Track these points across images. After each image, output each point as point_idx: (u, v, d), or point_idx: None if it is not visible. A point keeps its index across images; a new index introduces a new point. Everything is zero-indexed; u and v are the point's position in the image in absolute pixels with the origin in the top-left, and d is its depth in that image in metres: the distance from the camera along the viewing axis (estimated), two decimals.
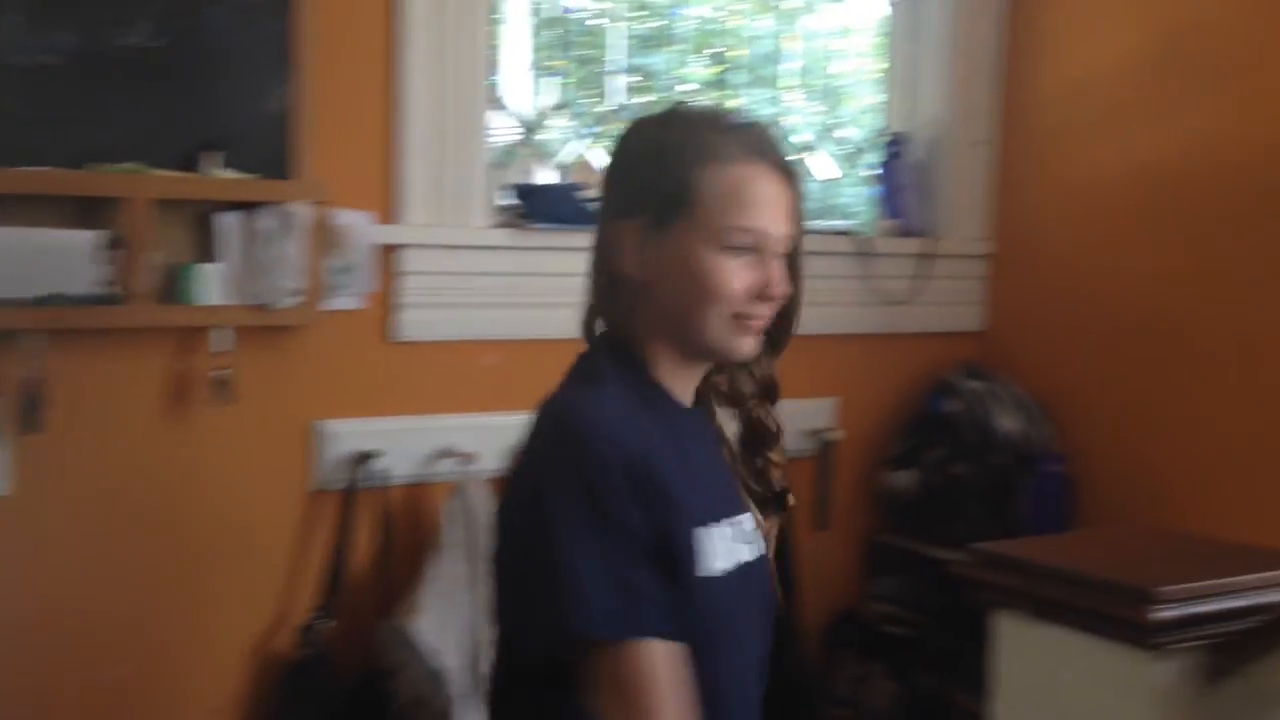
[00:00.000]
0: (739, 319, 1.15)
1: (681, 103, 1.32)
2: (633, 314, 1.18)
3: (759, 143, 1.16)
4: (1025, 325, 2.76)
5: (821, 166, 2.84)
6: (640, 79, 2.59)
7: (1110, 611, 1.23)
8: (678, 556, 1.08)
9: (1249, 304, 2.28)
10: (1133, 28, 2.50)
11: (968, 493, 2.51)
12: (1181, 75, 2.41)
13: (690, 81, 2.63)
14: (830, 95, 2.84)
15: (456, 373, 2.24)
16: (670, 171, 1.14)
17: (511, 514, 1.13)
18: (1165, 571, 1.25)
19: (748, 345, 1.18)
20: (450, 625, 1.99)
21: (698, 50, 2.65)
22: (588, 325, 1.25)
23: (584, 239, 2.27)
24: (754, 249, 1.14)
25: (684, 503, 1.10)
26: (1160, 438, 2.43)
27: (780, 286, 1.16)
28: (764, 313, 1.16)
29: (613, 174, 1.22)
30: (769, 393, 1.28)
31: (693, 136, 1.16)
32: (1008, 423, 2.57)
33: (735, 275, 1.13)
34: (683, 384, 1.20)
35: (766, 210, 1.14)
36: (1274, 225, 2.25)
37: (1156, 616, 1.19)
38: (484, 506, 2.11)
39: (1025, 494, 2.47)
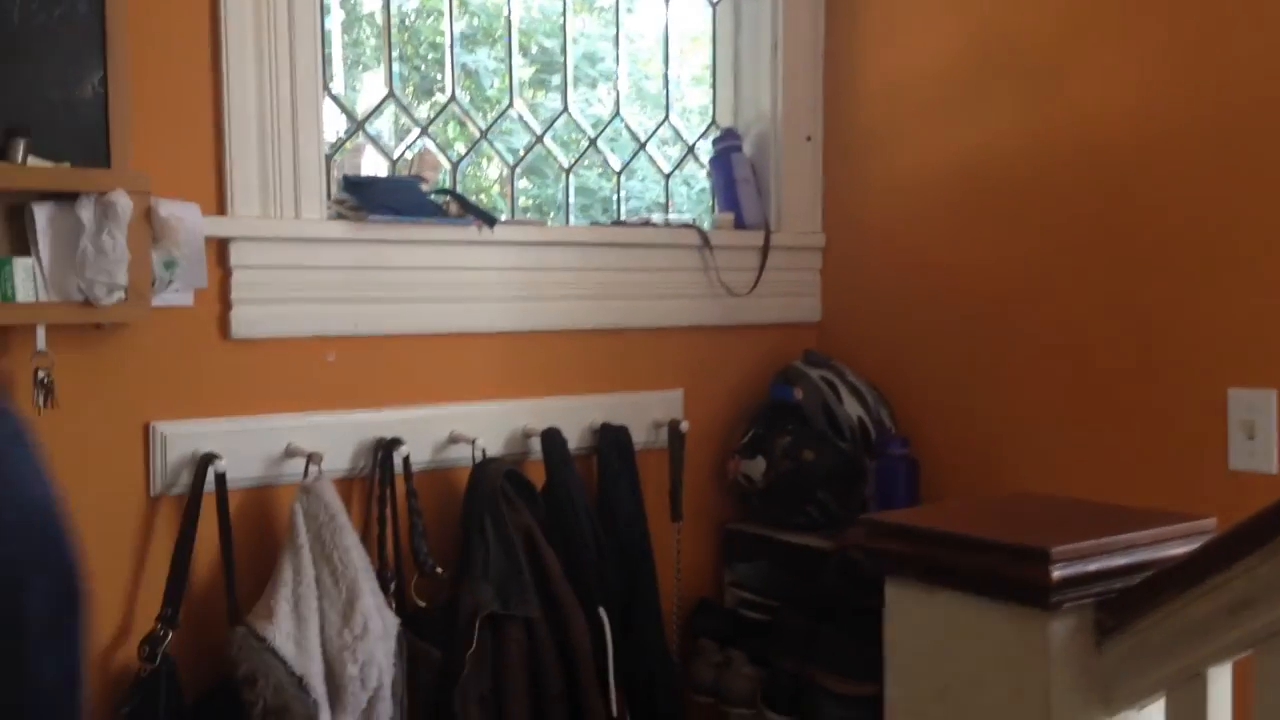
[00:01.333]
0: None
1: None
2: None
3: None
4: (857, 314, 2.84)
5: (655, 162, 2.87)
6: (462, 77, 2.56)
7: (1007, 572, 1.25)
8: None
9: (1062, 287, 2.41)
10: (949, 29, 2.62)
11: (818, 478, 2.55)
12: (995, 75, 2.53)
13: (513, 81, 2.62)
14: (656, 93, 2.87)
15: (297, 370, 2.15)
16: None
17: None
18: (1056, 532, 1.29)
19: None
20: (307, 630, 1.89)
21: (520, 49, 2.64)
22: None
23: (426, 231, 2.27)
24: None
25: None
26: (990, 416, 2.54)
27: None
28: None
29: None
30: None
31: None
32: (851, 409, 2.63)
33: None
34: None
35: None
36: (1082, 214, 2.38)
37: (1054, 575, 1.21)
38: (335, 506, 2.02)
39: (872, 477, 2.53)
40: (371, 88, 2.44)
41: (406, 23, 2.55)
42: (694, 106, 2.93)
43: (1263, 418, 2.12)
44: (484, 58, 2.59)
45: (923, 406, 2.66)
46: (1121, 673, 1.25)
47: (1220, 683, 1.23)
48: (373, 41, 2.47)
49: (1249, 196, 2.13)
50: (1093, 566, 1.25)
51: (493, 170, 2.64)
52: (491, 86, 2.59)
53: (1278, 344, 2.10)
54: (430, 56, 2.53)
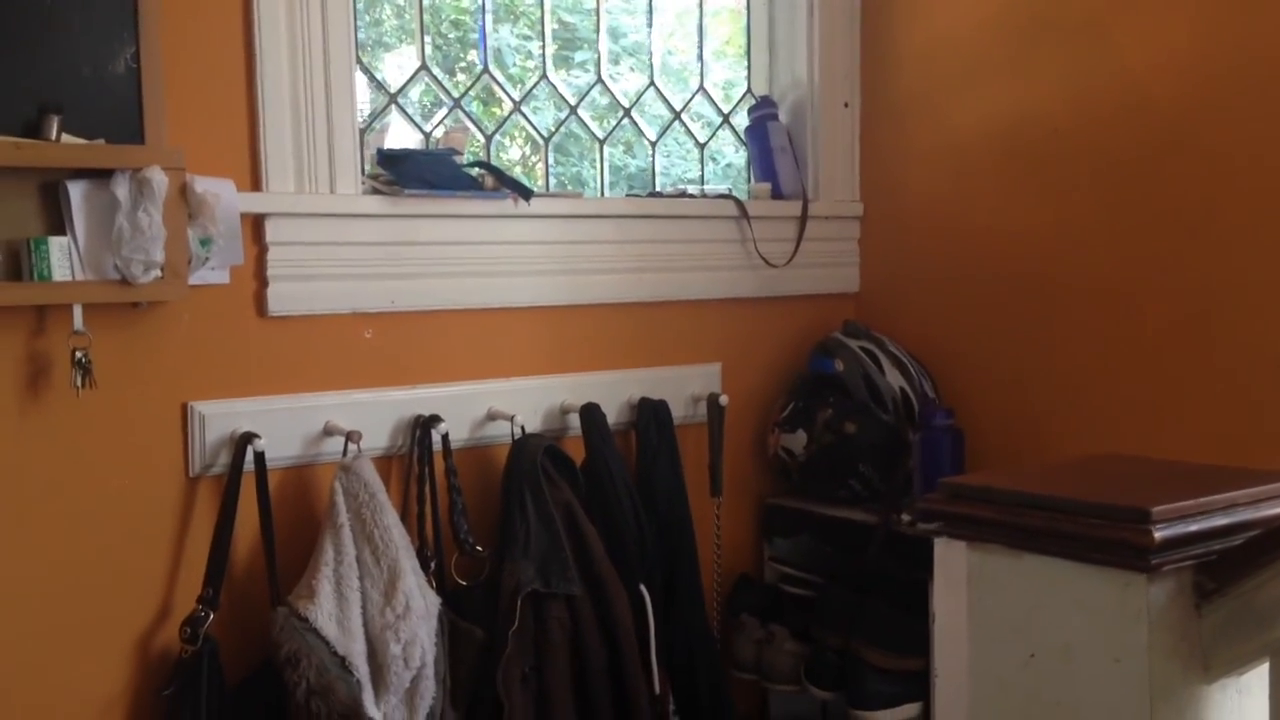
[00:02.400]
0: None
1: None
2: None
3: None
4: (897, 284, 2.79)
5: (691, 133, 2.82)
6: (488, 54, 2.51)
7: (1105, 535, 1.20)
8: None
9: (1112, 249, 2.36)
10: None
11: (860, 451, 2.51)
12: (1037, 34, 2.47)
13: (534, 57, 2.57)
14: (678, 68, 2.82)
15: (334, 348, 2.13)
16: None
17: None
18: (1153, 492, 1.24)
19: None
20: (349, 610, 1.88)
21: (543, 26, 2.59)
22: None
23: (463, 205, 2.24)
24: None
25: None
26: (1038, 383, 2.49)
27: None
28: None
29: None
30: None
31: None
32: (893, 379, 2.58)
33: None
34: None
35: None
36: (1130, 173, 2.32)
37: (1156, 536, 1.17)
38: (375, 485, 1.99)
39: (917, 448, 2.48)
40: (393, 67, 2.39)
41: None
42: (718, 81, 2.88)
43: None
44: (506, 35, 2.54)
45: (967, 376, 2.61)
46: (1222, 638, 1.21)
47: None
48: (393, 21, 2.43)
49: None
50: (1194, 527, 1.20)
51: (514, 151, 2.60)
52: (513, 65, 2.55)
53: None
54: (452, 35, 2.48)
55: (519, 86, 2.56)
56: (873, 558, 2.38)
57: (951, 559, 1.36)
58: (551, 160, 2.61)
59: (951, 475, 2.40)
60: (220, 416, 1.98)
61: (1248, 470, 1.35)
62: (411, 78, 2.40)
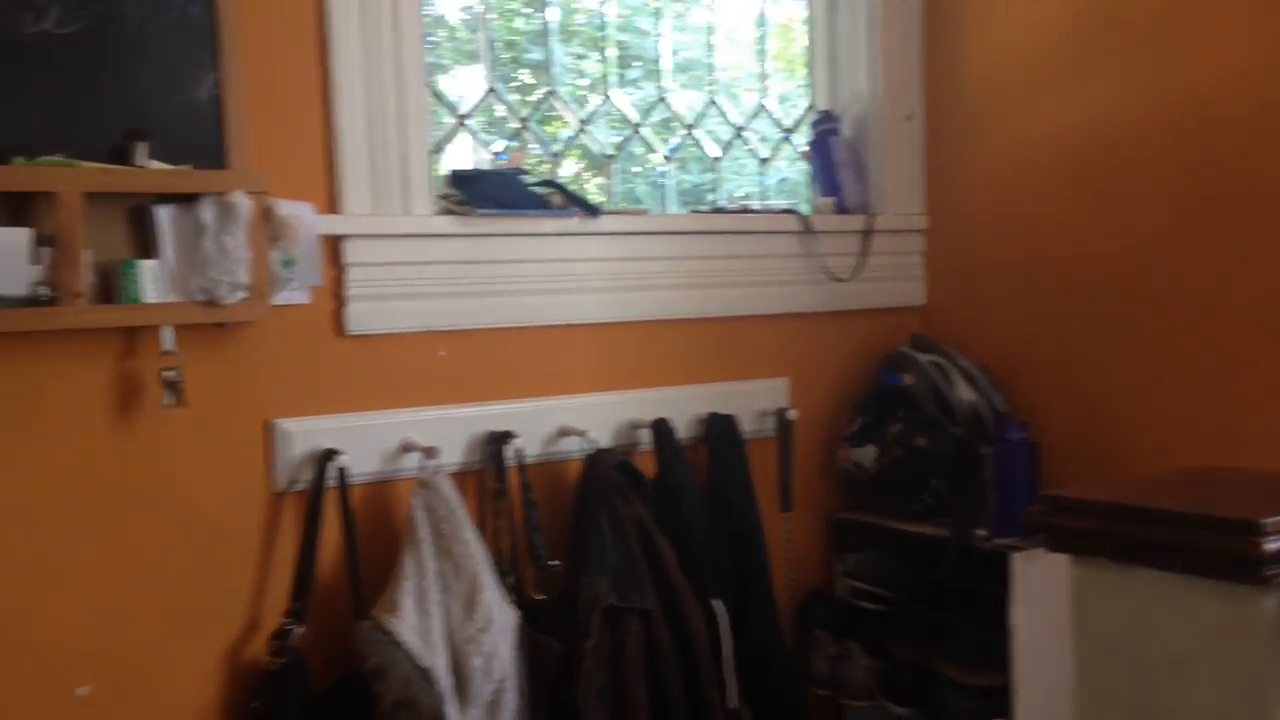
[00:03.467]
0: None
1: None
2: None
3: None
4: (966, 296, 2.78)
5: (752, 151, 2.83)
6: (540, 73, 2.54)
7: (1213, 546, 1.19)
8: None
9: (1187, 261, 2.33)
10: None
11: (931, 465, 2.50)
12: (1105, 46, 2.46)
13: (587, 75, 2.60)
14: (753, 78, 2.84)
15: (410, 365, 2.16)
16: None
17: None
18: (1261, 503, 1.23)
19: None
20: (431, 623, 1.90)
21: (595, 45, 2.62)
22: None
23: (532, 224, 2.27)
24: None
25: None
26: (1114, 396, 2.46)
27: None
28: None
29: None
30: None
31: None
32: (964, 393, 2.57)
33: None
34: None
35: None
36: (1205, 182, 2.30)
37: (1265, 548, 1.16)
38: (454, 500, 2.02)
39: (990, 462, 2.46)
40: (450, 90, 2.43)
41: (486, 20, 2.53)
42: (786, 90, 2.89)
43: None
44: (559, 54, 2.57)
45: (1039, 389, 2.59)
46: None
47: None
48: (449, 45, 2.47)
49: None
50: None
51: (566, 168, 2.62)
52: (565, 84, 2.58)
53: None
54: (506, 55, 2.52)
55: (575, 105, 2.59)
56: (947, 572, 2.37)
57: (1040, 573, 1.35)
58: (603, 179, 2.64)
59: (1026, 489, 2.40)
60: (303, 433, 2.02)
61: None
62: (481, 100, 2.44)
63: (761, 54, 2.83)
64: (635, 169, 2.74)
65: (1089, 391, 2.51)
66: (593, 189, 2.63)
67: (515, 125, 2.49)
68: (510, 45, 2.56)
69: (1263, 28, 2.19)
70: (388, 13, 2.12)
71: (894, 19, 2.79)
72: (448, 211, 2.22)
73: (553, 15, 2.52)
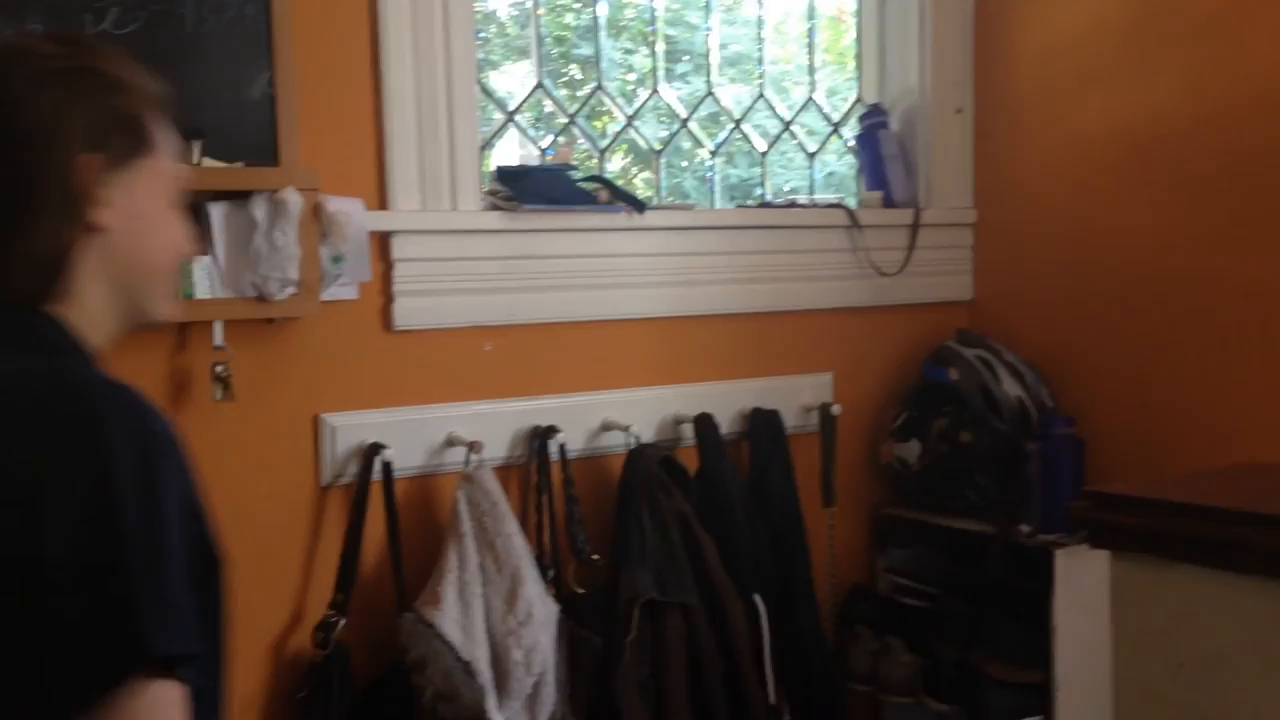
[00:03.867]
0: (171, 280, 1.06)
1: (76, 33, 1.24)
2: (72, 266, 0.97)
3: (166, 94, 1.05)
4: (1013, 291, 2.76)
5: (802, 145, 2.83)
6: (589, 69, 2.55)
7: (1260, 543, 1.18)
8: (200, 530, 0.96)
9: (1243, 257, 2.30)
10: None
11: (976, 460, 2.49)
12: (1155, 34, 2.42)
13: (635, 70, 2.60)
14: (802, 71, 2.82)
15: (456, 360, 2.18)
16: (126, 102, 1.00)
17: (13, 518, 0.84)
18: None
19: (171, 309, 1.07)
20: (473, 616, 1.93)
21: (644, 39, 2.62)
22: None
23: (580, 219, 2.28)
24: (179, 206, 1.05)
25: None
26: (1164, 393, 2.43)
27: (193, 247, 1.09)
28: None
29: (32, 101, 0.97)
30: None
31: (130, 71, 1.02)
32: (1010, 388, 2.55)
33: (183, 232, 1.04)
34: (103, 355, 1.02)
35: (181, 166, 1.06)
36: (1264, 178, 2.26)
37: None
38: (497, 494, 2.04)
39: (1035, 458, 2.45)
40: (499, 86, 2.45)
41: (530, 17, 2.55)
42: (822, 89, 2.88)
43: None
44: (607, 48, 2.58)
45: (1087, 385, 2.57)
46: None
47: None
48: (498, 40, 2.49)
49: None
50: None
51: (613, 163, 2.63)
52: (614, 78, 2.58)
53: None
54: (555, 51, 2.53)
55: (622, 99, 2.60)
56: (991, 569, 2.36)
57: (1083, 569, 1.35)
58: (650, 174, 2.64)
59: (1072, 485, 2.39)
60: (350, 428, 2.05)
61: None
62: (529, 95, 2.45)
63: (810, 47, 2.82)
64: (683, 164, 2.75)
65: (1137, 388, 2.48)
66: (640, 184, 2.64)
67: (563, 121, 2.51)
68: (559, 40, 2.57)
69: None
70: (439, 10, 2.14)
71: (945, 12, 2.76)
72: (495, 208, 2.24)
73: (602, 10, 2.53)
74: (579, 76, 2.58)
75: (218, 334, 1.89)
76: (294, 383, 2.01)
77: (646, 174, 2.65)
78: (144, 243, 1.00)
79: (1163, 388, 2.44)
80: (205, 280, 1.89)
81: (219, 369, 1.89)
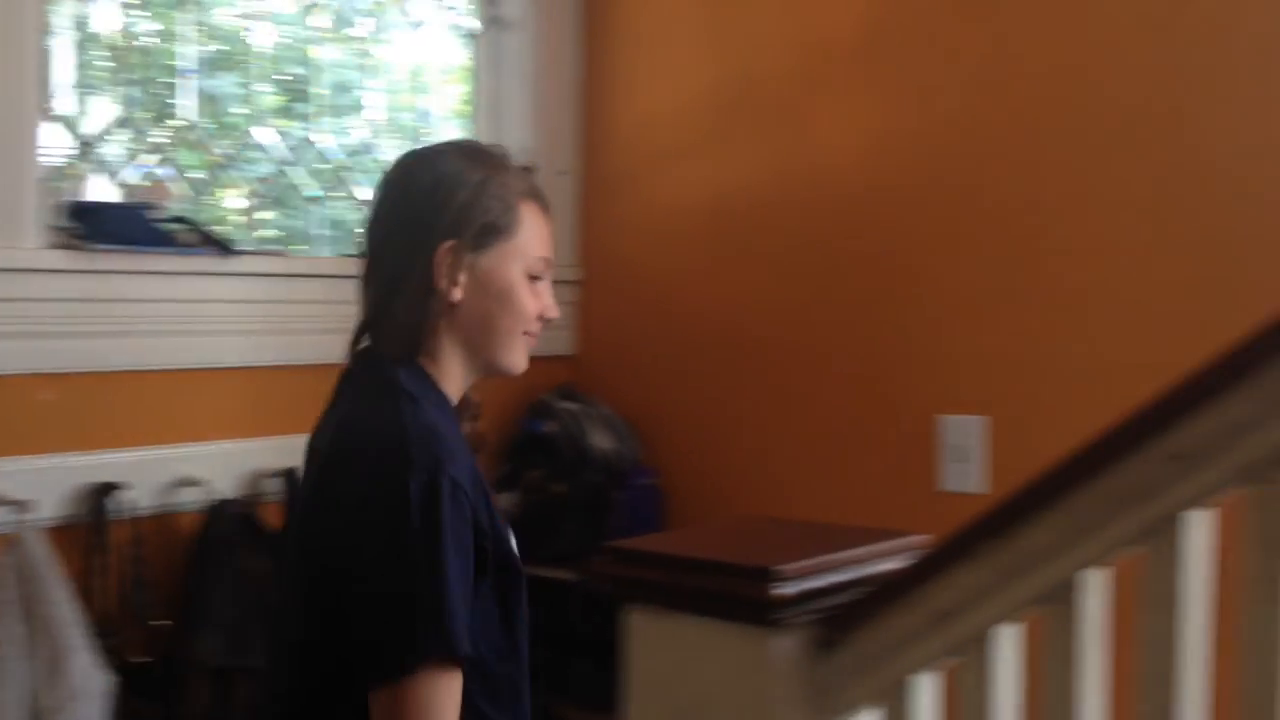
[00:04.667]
0: (527, 336, 1.31)
1: (470, 140, 1.55)
2: (433, 329, 1.26)
3: (538, 184, 1.36)
4: (613, 348, 2.88)
5: None
6: (204, 102, 2.45)
7: (731, 592, 1.28)
8: (504, 550, 1.23)
9: (795, 323, 2.54)
10: (698, 68, 2.70)
11: (566, 510, 2.57)
12: (740, 115, 2.63)
13: (259, 107, 2.53)
14: (413, 125, 2.83)
15: (7, 410, 2.00)
16: (495, 200, 1.27)
17: (341, 534, 1.16)
18: (777, 551, 1.33)
19: (526, 361, 1.33)
20: (6, 694, 1.76)
21: (266, 76, 2.55)
22: (357, 342, 1.31)
23: (156, 261, 2.16)
24: (541, 277, 1.31)
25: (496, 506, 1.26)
26: (731, 446, 2.63)
27: (555, 309, 1.34)
28: (539, 332, 1.32)
29: (418, 197, 1.27)
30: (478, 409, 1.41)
31: (504, 171, 1.30)
32: (601, 441, 2.66)
33: (533, 298, 1.29)
34: (457, 397, 1.31)
35: (550, 244, 1.34)
36: (814, 254, 2.51)
37: (775, 593, 1.25)
38: (43, 558, 1.89)
39: (619, 507, 2.56)
40: (100, 113, 2.30)
41: (140, 45, 2.41)
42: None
43: (972, 441, 2.27)
44: (226, 84, 2.49)
45: (671, 438, 2.72)
46: (839, 685, 1.30)
47: (927, 691, 1.29)
48: (104, 64, 2.34)
49: (959, 240, 2.31)
50: (812, 584, 1.30)
51: (233, 200, 2.54)
52: (231, 114, 2.49)
53: (984, 375, 2.27)
54: (166, 80, 2.41)
55: (240, 135, 2.50)
56: (573, 616, 2.43)
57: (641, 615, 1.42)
58: (270, 214, 2.56)
59: (653, 531, 2.52)
60: None
61: (871, 529, 1.47)
62: (108, 128, 2.31)
63: (423, 96, 2.83)
64: (295, 206, 2.67)
65: (711, 441, 2.67)
66: (268, 228, 2.54)
67: (157, 157, 2.38)
68: (171, 70, 2.43)
69: (879, 110, 2.41)
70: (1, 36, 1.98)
71: (553, 76, 2.87)
72: (61, 245, 2.08)
73: (210, 45, 2.43)
74: (182, 114, 2.45)
75: None
76: None
77: (269, 215, 2.56)
78: (493, 310, 1.27)
79: (731, 441, 2.63)
80: None
81: None
